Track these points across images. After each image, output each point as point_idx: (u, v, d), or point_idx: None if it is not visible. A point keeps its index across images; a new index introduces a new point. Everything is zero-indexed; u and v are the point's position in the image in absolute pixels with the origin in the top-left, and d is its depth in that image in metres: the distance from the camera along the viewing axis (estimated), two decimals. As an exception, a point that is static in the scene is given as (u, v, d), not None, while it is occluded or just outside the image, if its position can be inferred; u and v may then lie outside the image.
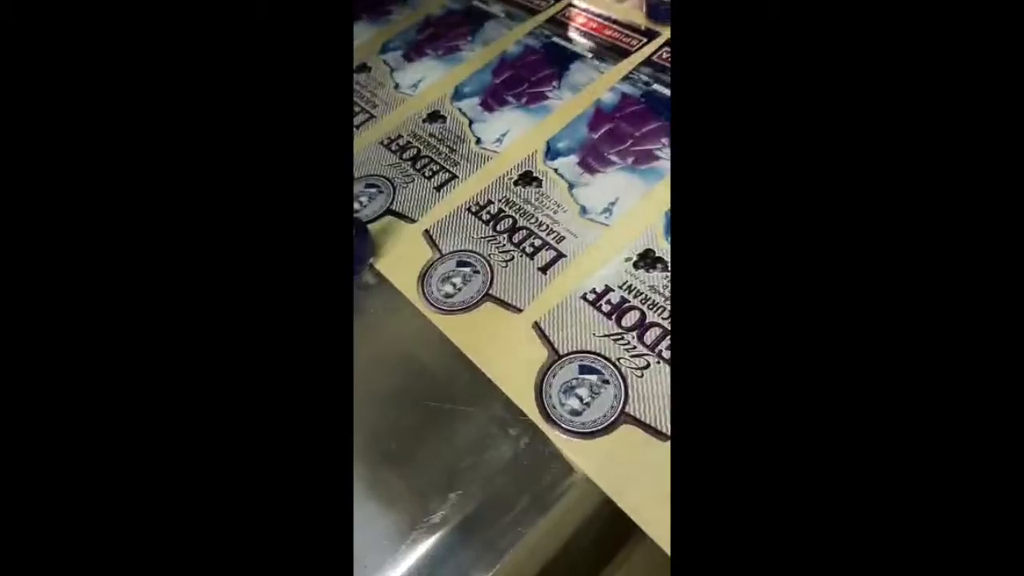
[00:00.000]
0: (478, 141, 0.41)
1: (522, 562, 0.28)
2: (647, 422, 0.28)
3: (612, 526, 0.29)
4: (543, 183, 0.38)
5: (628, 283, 0.33)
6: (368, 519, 0.29)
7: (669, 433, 0.28)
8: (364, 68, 0.47)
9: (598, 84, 0.43)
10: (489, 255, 0.35)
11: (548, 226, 0.36)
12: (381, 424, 0.32)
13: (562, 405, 0.29)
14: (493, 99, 0.43)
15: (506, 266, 0.35)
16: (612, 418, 0.28)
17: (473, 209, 0.37)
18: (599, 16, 0.47)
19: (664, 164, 0.37)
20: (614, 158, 0.38)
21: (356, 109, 0.45)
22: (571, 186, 0.37)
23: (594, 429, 0.28)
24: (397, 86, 0.46)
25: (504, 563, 0.27)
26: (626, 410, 0.29)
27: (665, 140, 0.38)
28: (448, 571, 0.27)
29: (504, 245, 0.35)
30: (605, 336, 0.31)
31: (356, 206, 0.38)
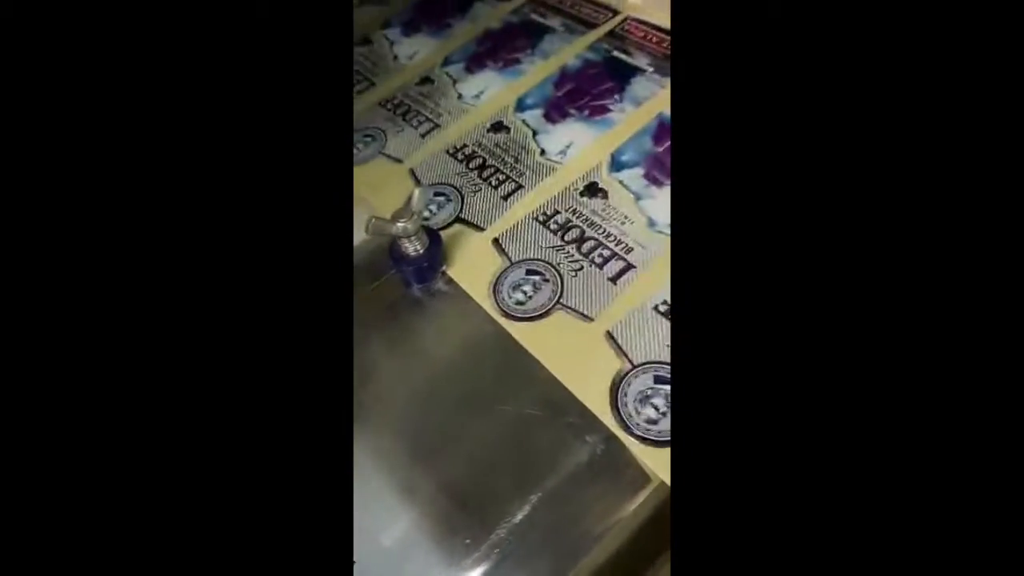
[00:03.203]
0: (542, 152, 0.42)
1: (599, 566, 0.28)
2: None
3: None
4: (609, 195, 0.39)
5: (699, 295, 0.33)
6: (446, 517, 0.30)
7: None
8: (427, 80, 0.49)
9: (660, 98, 0.43)
10: (558, 264, 0.36)
11: (616, 237, 0.36)
12: (455, 428, 0.32)
13: (638, 413, 0.30)
14: (555, 111, 0.44)
15: (575, 276, 0.35)
16: (688, 427, 0.29)
17: (540, 219, 0.38)
18: (657, 29, 0.48)
19: (731, 178, 0.37)
20: (680, 171, 0.39)
21: (422, 119, 0.46)
22: (637, 198, 0.38)
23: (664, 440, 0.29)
24: (460, 96, 0.47)
25: (581, 566, 0.28)
26: (702, 420, 0.29)
27: (730, 154, 0.39)
28: (528, 571, 0.28)
29: (573, 255, 0.36)
30: (678, 346, 0.31)
31: (426, 214, 0.39)
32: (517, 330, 0.34)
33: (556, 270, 0.36)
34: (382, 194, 0.41)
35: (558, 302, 0.34)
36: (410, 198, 0.35)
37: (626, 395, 0.30)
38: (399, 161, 0.44)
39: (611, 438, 0.30)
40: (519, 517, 0.29)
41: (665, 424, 0.29)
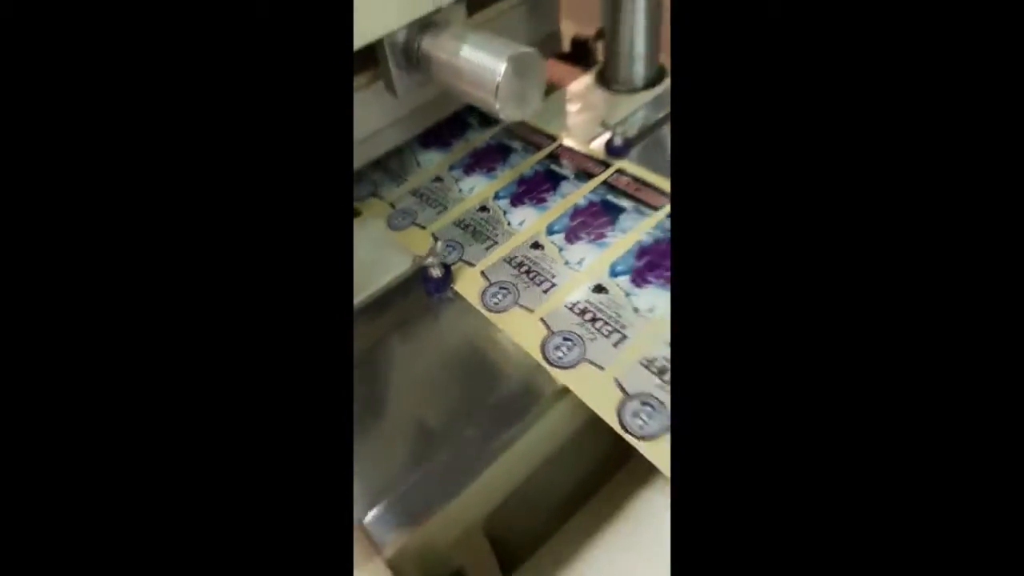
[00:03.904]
0: (509, 224, 0.72)
1: (531, 444, 0.56)
2: (596, 362, 0.58)
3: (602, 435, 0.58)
4: (545, 248, 0.69)
5: (589, 300, 0.63)
6: (438, 412, 0.57)
7: (604, 367, 0.57)
8: (438, 179, 0.80)
9: (576, 194, 0.75)
10: (516, 284, 0.66)
11: (547, 269, 0.67)
12: (452, 375, 0.61)
13: (554, 354, 0.59)
14: (517, 200, 0.75)
15: (526, 289, 0.65)
16: (578, 361, 0.58)
17: (507, 259, 0.68)
18: (577, 152, 0.80)
19: (609, 240, 0.68)
20: (583, 236, 0.69)
21: (434, 204, 0.76)
22: (560, 250, 0.68)
23: (570, 365, 0.58)
24: (460, 191, 0.78)
25: (521, 442, 0.56)
26: (586, 357, 0.58)
27: (612, 228, 0.70)
28: (480, 447, 0.55)
29: (524, 279, 0.66)
30: (576, 324, 0.61)
31: (443, 255, 0.69)
32: (494, 318, 0.63)
33: (516, 286, 0.65)
34: (415, 246, 0.71)
35: (517, 303, 0.64)
36: (435, 247, 0.65)
37: (548, 346, 0.60)
38: (423, 227, 0.74)
39: (540, 367, 0.59)
40: (489, 401, 0.57)
41: (567, 359, 0.58)
